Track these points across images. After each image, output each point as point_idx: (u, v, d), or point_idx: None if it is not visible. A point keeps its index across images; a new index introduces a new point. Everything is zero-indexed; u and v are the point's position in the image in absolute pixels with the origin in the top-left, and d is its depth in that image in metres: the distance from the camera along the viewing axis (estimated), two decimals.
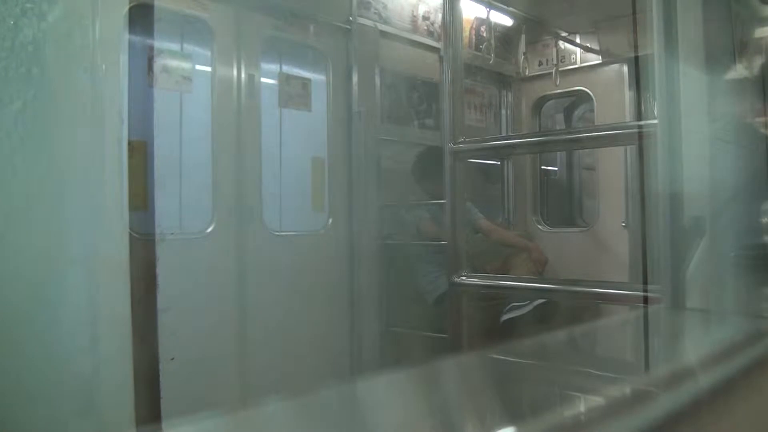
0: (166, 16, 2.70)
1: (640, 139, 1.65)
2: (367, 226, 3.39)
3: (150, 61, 2.67)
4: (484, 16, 3.95)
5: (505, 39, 4.50)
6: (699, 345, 1.12)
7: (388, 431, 0.63)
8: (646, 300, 1.41)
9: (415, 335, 3.33)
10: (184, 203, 2.83)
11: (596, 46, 4.33)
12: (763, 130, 1.95)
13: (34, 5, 0.70)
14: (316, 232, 3.30)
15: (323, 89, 3.40)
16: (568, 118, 4.98)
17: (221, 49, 2.89)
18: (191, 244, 2.74)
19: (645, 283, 1.45)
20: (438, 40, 3.89)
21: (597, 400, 0.70)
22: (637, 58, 4.02)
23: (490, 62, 4.06)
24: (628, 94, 4.21)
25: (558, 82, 4.25)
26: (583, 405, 0.69)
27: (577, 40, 4.41)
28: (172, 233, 2.68)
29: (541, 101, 4.79)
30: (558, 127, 5.03)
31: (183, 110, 2.85)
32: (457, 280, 1.98)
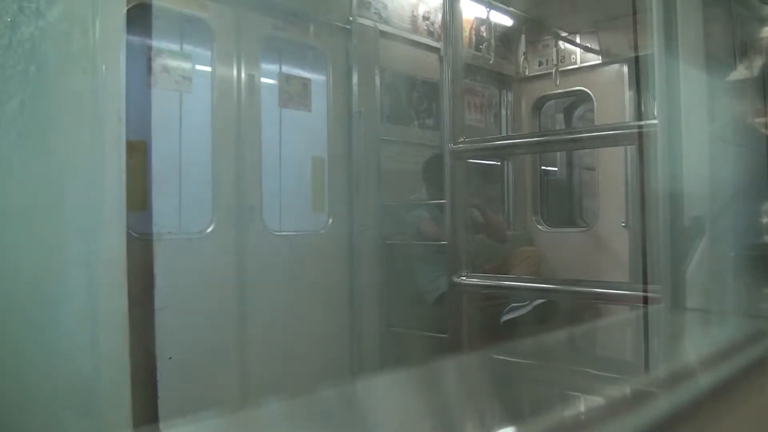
0: (166, 16, 2.70)
1: (640, 139, 1.65)
2: (367, 226, 3.39)
3: (150, 61, 2.67)
4: (484, 16, 3.95)
5: (505, 39, 4.50)
6: (699, 345, 1.12)
7: (388, 431, 0.63)
8: (646, 300, 1.41)
9: (415, 335, 3.33)
10: (183, 203, 2.83)
11: (596, 46, 4.32)
12: (763, 130, 1.95)
13: (32, 4, 0.70)
14: (316, 232, 3.30)
15: (323, 89, 3.39)
16: (567, 119, 4.98)
17: (221, 49, 2.89)
18: (191, 243, 2.74)
19: (645, 283, 1.45)
20: (438, 40, 3.88)
21: (597, 400, 0.70)
22: (637, 58, 4.02)
23: (490, 62, 4.06)
24: (628, 94, 4.20)
25: (558, 82, 4.25)
26: (583, 405, 0.69)
27: (577, 40, 4.41)
28: (172, 233, 2.68)
29: (541, 101, 4.78)
30: (558, 128, 5.03)
31: (183, 110, 2.85)
32: (457, 280, 1.98)
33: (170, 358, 2.27)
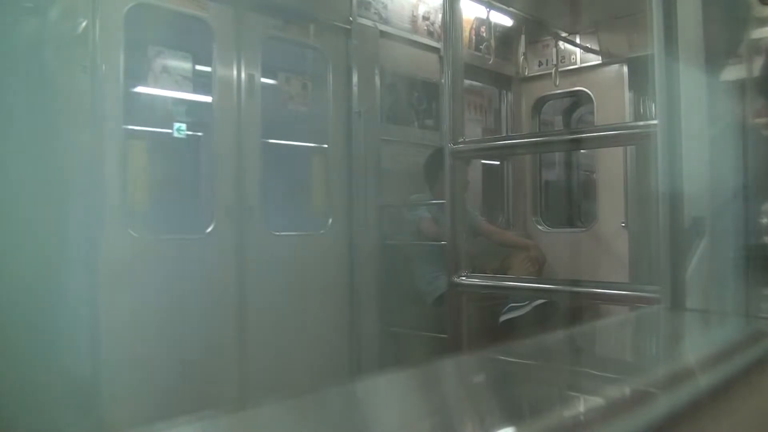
0: (166, 16, 2.70)
1: (640, 140, 1.65)
2: (367, 227, 3.39)
3: (150, 61, 2.67)
4: (484, 16, 3.95)
5: (505, 39, 4.50)
6: (698, 345, 1.12)
7: (388, 431, 0.63)
8: (646, 300, 1.41)
9: (414, 335, 3.33)
10: (183, 203, 2.83)
11: (596, 47, 4.33)
12: (763, 131, 1.95)
13: (33, 4, 0.70)
14: (316, 233, 3.30)
15: (323, 89, 3.40)
16: (566, 120, 4.98)
17: (221, 48, 2.89)
18: (190, 244, 2.74)
19: (645, 283, 1.45)
20: (438, 40, 3.89)
21: (597, 400, 0.70)
22: (637, 58, 4.03)
23: (490, 62, 4.06)
24: (627, 95, 4.21)
25: (558, 83, 4.25)
26: (583, 405, 0.69)
27: (577, 41, 4.41)
28: (171, 233, 2.68)
29: (541, 101, 4.78)
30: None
31: (183, 110, 2.86)
32: (456, 280, 1.98)
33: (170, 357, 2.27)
